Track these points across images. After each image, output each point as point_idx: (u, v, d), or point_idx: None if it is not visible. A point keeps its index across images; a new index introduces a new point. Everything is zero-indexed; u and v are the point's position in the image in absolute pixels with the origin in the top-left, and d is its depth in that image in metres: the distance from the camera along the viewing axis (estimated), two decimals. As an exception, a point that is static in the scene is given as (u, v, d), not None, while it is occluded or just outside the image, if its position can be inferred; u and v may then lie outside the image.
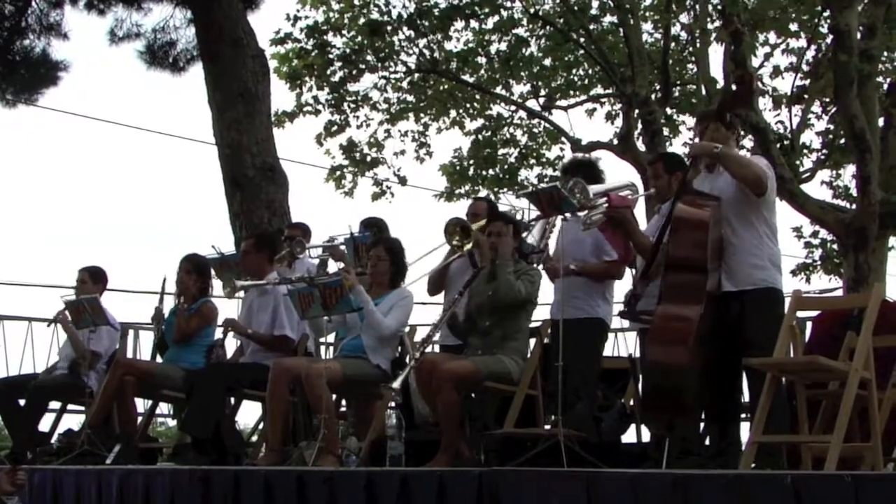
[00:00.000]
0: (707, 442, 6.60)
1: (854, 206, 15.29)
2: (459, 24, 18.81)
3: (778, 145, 16.29)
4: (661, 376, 6.10)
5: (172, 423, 12.68)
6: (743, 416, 6.72)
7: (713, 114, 6.69)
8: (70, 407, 9.66)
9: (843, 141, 17.39)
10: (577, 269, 7.23)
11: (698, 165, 6.51)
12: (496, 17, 18.85)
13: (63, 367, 9.31)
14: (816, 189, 20.04)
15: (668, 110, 19.12)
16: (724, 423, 6.42)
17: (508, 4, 18.80)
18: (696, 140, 6.60)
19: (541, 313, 7.64)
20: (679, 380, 6.03)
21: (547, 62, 19.88)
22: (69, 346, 9.28)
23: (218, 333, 8.93)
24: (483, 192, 19.75)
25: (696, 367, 6.05)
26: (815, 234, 18.95)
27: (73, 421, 9.97)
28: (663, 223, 6.42)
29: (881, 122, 15.18)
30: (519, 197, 7.46)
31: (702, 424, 6.81)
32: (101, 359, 9.10)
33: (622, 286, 8.24)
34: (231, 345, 8.86)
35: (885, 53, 17.21)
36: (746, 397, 6.57)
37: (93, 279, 9.35)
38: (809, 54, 18.22)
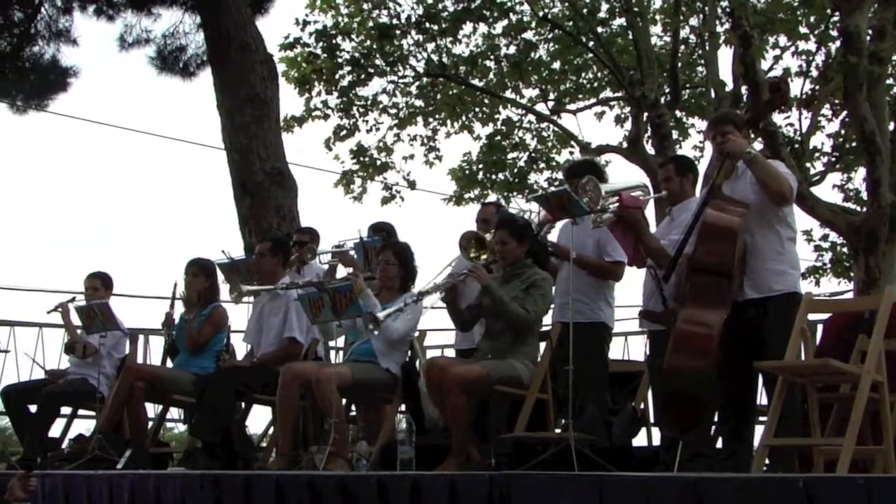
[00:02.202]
0: (719, 444, 6.58)
1: (864, 209, 15.27)
2: (468, 28, 18.84)
3: (788, 148, 16.28)
4: (681, 381, 6.06)
5: (183, 427, 12.70)
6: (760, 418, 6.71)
7: (743, 120, 6.66)
8: (81, 412, 9.67)
9: (853, 144, 17.38)
10: (578, 258, 7.26)
11: (728, 168, 6.44)
12: (505, 21, 18.86)
13: (73, 371, 9.31)
14: (827, 192, 20.03)
15: (678, 113, 19.11)
16: (738, 426, 6.40)
17: (517, 8, 18.81)
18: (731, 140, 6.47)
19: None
20: (699, 385, 6.01)
21: (556, 66, 19.89)
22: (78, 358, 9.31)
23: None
24: (492, 197, 19.76)
25: (713, 373, 6.03)
26: (825, 238, 18.95)
27: (84, 426, 10.00)
28: (688, 228, 6.39)
29: (892, 124, 15.15)
30: (529, 201, 7.45)
31: (713, 427, 6.79)
32: (96, 353, 9.08)
33: (625, 291, 8.28)
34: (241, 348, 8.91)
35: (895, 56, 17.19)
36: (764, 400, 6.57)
37: (104, 285, 9.38)
38: (819, 57, 18.22)
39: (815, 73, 18.26)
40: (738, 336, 6.21)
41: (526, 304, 7.03)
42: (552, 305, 7.43)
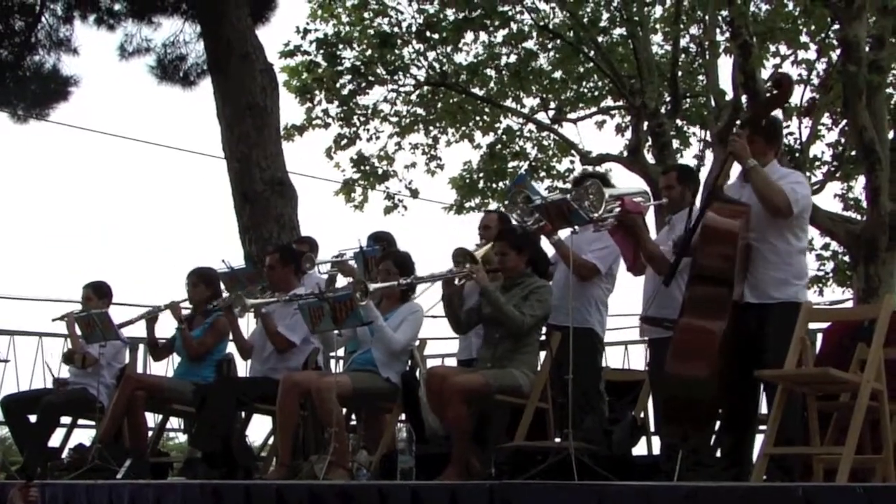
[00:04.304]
0: (719, 453, 6.59)
1: (864, 218, 15.27)
2: (469, 37, 18.85)
3: (788, 157, 16.28)
4: (681, 389, 6.07)
5: (183, 437, 12.70)
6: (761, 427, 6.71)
7: (746, 122, 6.65)
8: (80, 422, 9.66)
9: (853, 152, 17.38)
10: (557, 241, 7.36)
11: (729, 168, 6.44)
12: (506, 30, 18.87)
13: (73, 381, 9.31)
14: (828, 201, 20.06)
15: (678, 122, 19.12)
16: (739, 435, 6.40)
17: (518, 17, 18.83)
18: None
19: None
20: (698, 393, 6.02)
21: (556, 75, 19.91)
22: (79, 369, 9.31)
23: (230, 347, 8.96)
24: (493, 205, 19.77)
25: (715, 381, 6.04)
26: (826, 247, 18.94)
27: (84, 436, 9.98)
28: (688, 232, 6.40)
29: (891, 133, 15.16)
30: (528, 209, 7.42)
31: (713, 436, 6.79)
32: (96, 363, 9.08)
33: (623, 299, 8.29)
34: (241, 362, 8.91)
35: (895, 64, 17.20)
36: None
37: (97, 295, 9.36)
38: (820, 66, 18.23)
39: (815, 81, 18.28)
40: (739, 344, 6.21)
41: (523, 309, 7.03)
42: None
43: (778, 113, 7.14)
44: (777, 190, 6.24)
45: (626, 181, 18.03)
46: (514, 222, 7.63)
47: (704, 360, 6.02)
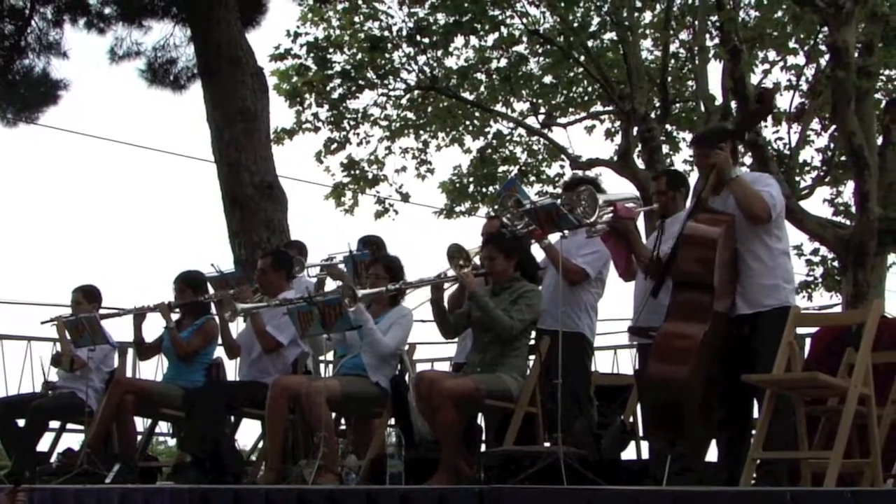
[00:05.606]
0: (713, 458, 6.61)
1: (853, 223, 15.30)
2: (459, 41, 18.87)
3: (776, 162, 16.31)
4: (661, 392, 6.12)
5: (172, 441, 12.67)
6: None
7: (730, 133, 6.68)
8: (69, 426, 9.64)
9: (842, 158, 17.43)
10: (547, 245, 7.37)
11: (715, 180, 6.47)
12: (496, 34, 18.88)
13: (62, 385, 9.30)
14: (818, 206, 20.09)
15: (668, 127, 19.15)
16: (733, 439, 6.42)
17: (509, 21, 18.85)
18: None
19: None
20: (678, 396, 6.05)
21: (546, 79, 19.92)
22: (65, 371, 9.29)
23: (218, 352, 8.95)
24: (483, 210, 19.79)
25: (698, 385, 6.05)
26: (815, 252, 18.98)
27: (73, 440, 9.96)
28: (676, 242, 6.44)
29: (880, 138, 15.20)
30: (519, 213, 7.42)
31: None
32: (84, 366, 9.06)
33: (613, 305, 8.30)
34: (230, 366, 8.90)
35: (883, 70, 17.26)
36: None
37: (87, 298, 9.34)
38: (809, 71, 18.28)
39: (804, 87, 18.33)
40: (732, 351, 6.24)
41: (512, 313, 7.03)
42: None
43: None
44: (757, 197, 6.32)
45: (616, 186, 18.11)
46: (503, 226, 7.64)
47: (684, 364, 6.06)
